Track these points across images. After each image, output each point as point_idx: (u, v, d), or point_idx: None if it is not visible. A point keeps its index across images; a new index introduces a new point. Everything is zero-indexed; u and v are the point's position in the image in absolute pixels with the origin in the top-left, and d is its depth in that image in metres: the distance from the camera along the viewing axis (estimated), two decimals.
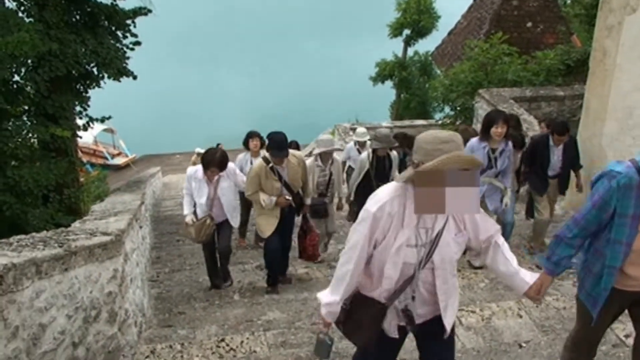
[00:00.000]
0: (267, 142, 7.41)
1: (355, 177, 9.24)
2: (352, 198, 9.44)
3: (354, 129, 19.43)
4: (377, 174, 8.97)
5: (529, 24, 21.53)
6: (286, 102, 39.12)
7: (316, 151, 8.97)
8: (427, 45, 29.84)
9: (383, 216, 3.22)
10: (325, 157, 8.98)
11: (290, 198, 7.60)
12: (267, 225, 7.64)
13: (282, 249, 7.99)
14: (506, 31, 19.77)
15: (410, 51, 31.09)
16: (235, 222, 7.99)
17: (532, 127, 12.52)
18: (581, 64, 15.94)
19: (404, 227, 3.23)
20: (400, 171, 9.11)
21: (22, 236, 4.62)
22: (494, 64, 17.30)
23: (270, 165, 7.37)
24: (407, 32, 30.31)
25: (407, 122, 22.41)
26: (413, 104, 29.62)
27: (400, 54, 31.03)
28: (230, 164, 7.73)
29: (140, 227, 7.54)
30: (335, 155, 9.28)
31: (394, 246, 3.25)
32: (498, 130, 7.48)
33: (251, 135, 10.27)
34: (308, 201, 8.23)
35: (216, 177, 7.54)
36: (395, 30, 30.43)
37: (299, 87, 42.82)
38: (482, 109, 14.41)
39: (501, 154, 7.71)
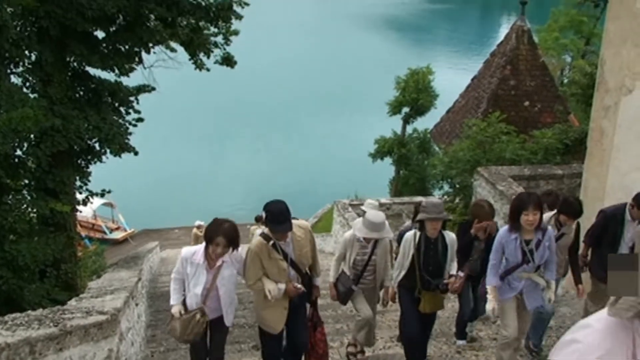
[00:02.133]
0: (264, 215, 6.07)
1: (398, 266, 7.24)
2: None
3: (354, 205, 19.45)
4: (426, 262, 6.94)
5: (527, 103, 21.83)
6: (287, 178, 39.34)
7: (359, 234, 7.15)
8: (425, 122, 30.22)
9: None
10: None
11: (301, 286, 6.31)
12: (275, 319, 6.39)
13: (293, 349, 6.73)
14: (504, 110, 20.04)
15: (409, 128, 31.48)
16: (229, 319, 6.38)
17: None
18: (579, 143, 16.07)
19: None
20: (462, 261, 7.42)
21: (18, 314, 4.56)
22: (492, 142, 17.46)
23: (272, 242, 6.12)
24: (406, 110, 30.77)
25: (406, 199, 22.43)
26: (412, 181, 29.77)
27: (399, 131, 31.40)
28: (241, 251, 6.23)
29: (137, 304, 7.43)
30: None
31: None
32: (529, 218, 6.09)
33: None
34: (318, 281, 6.86)
35: (219, 263, 5.96)
36: (395, 108, 30.91)
37: (300, 163, 43.16)
38: (480, 187, 14.46)
39: (538, 245, 6.33)
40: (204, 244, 5.92)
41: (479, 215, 7.37)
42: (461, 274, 7.23)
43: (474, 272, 7.55)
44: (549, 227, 6.58)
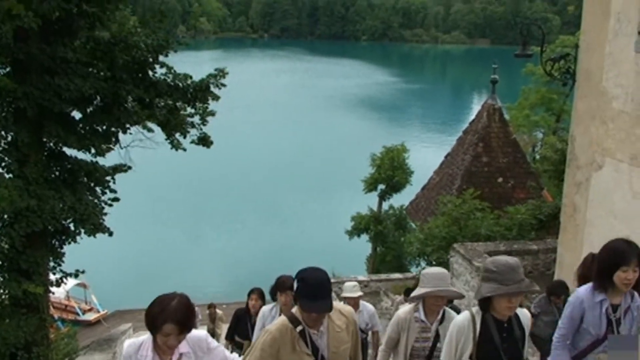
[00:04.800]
0: (296, 286, 4.32)
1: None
2: None
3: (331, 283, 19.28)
4: (497, 357, 4.61)
5: (500, 180, 22.14)
6: (265, 257, 39.08)
7: (419, 292, 5.48)
8: (401, 199, 30.40)
9: None
10: (435, 305, 5.55)
11: None
12: None
13: None
14: (478, 187, 20.31)
15: (385, 205, 31.62)
16: None
17: None
18: (552, 218, 16.26)
19: None
20: (540, 345, 6.01)
21: None
22: (467, 218, 17.61)
23: (300, 328, 4.33)
24: (381, 186, 30.96)
25: (383, 276, 22.37)
26: (389, 258, 29.68)
27: (375, 208, 31.53)
28: (201, 332, 4.48)
29: None
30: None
31: None
32: (629, 275, 4.55)
33: (252, 291, 8.87)
34: None
35: (175, 357, 4.11)
36: (370, 185, 31.10)
37: (277, 242, 42.99)
38: (457, 263, 14.50)
39: (626, 313, 4.78)
40: (148, 334, 4.10)
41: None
42: None
43: None
44: (635, 295, 4.86)
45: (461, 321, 4.70)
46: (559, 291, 6.88)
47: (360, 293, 8.30)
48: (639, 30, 8.79)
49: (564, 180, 10.74)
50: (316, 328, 4.33)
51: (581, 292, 4.82)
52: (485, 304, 4.56)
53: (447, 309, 5.66)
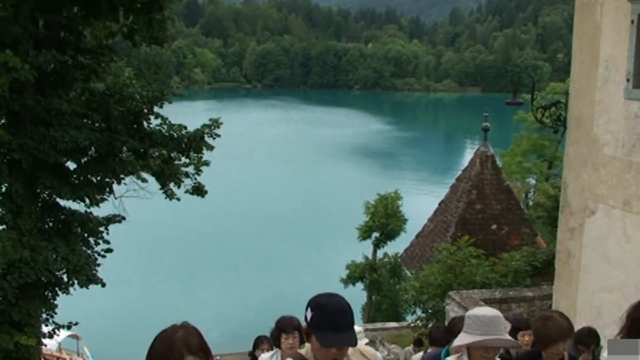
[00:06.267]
0: (309, 315, 3.42)
1: None
2: None
3: None
4: None
5: (494, 227, 22.13)
6: (259, 308, 38.77)
7: (464, 340, 4.25)
8: (396, 246, 30.33)
9: None
10: (483, 359, 4.21)
11: None
12: None
13: None
14: (472, 234, 20.28)
15: (380, 253, 31.55)
16: None
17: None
18: (547, 264, 16.22)
19: None
20: None
21: None
22: (463, 266, 17.55)
23: None
24: (376, 234, 30.95)
25: (379, 325, 22.19)
26: (384, 306, 29.51)
27: (370, 256, 31.43)
28: None
29: None
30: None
31: None
32: None
33: (261, 340, 7.92)
34: None
35: None
36: (365, 233, 31.09)
37: (272, 291, 42.68)
38: (453, 311, 14.40)
39: None
40: None
41: (551, 335, 4.71)
42: None
43: None
44: None
45: None
46: (588, 340, 5.75)
47: (366, 340, 7.43)
48: (628, 78, 8.93)
49: (558, 226, 10.75)
50: None
51: None
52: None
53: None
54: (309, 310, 3.41)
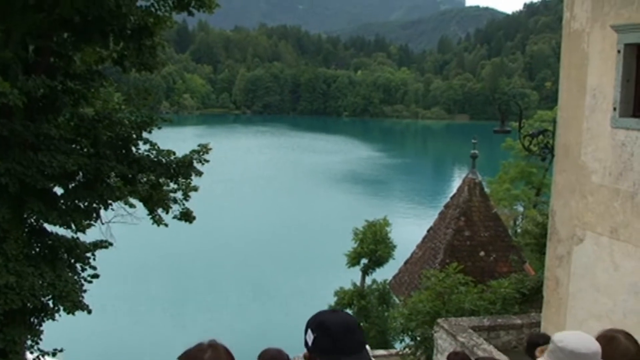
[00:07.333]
0: (311, 338, 2.97)
1: None
2: None
3: None
4: None
5: (482, 254, 22.15)
6: (248, 336, 38.51)
7: None
8: (384, 273, 30.23)
9: None
10: None
11: None
12: None
13: None
14: (460, 261, 20.27)
15: (369, 279, 31.43)
16: None
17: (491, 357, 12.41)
18: (536, 291, 16.21)
19: None
20: None
21: None
22: (451, 293, 17.51)
23: None
24: (364, 261, 30.85)
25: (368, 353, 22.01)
26: (372, 333, 29.29)
27: (358, 283, 31.30)
28: None
29: None
30: None
31: None
32: None
33: None
34: None
35: None
36: (353, 259, 30.97)
37: (260, 318, 42.43)
38: (441, 339, 14.34)
39: None
40: None
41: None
42: None
43: None
44: None
45: None
46: (542, 341, 5.56)
47: None
48: (615, 106, 9.02)
49: (546, 253, 10.78)
50: None
51: None
52: None
53: None
54: (309, 332, 2.96)
